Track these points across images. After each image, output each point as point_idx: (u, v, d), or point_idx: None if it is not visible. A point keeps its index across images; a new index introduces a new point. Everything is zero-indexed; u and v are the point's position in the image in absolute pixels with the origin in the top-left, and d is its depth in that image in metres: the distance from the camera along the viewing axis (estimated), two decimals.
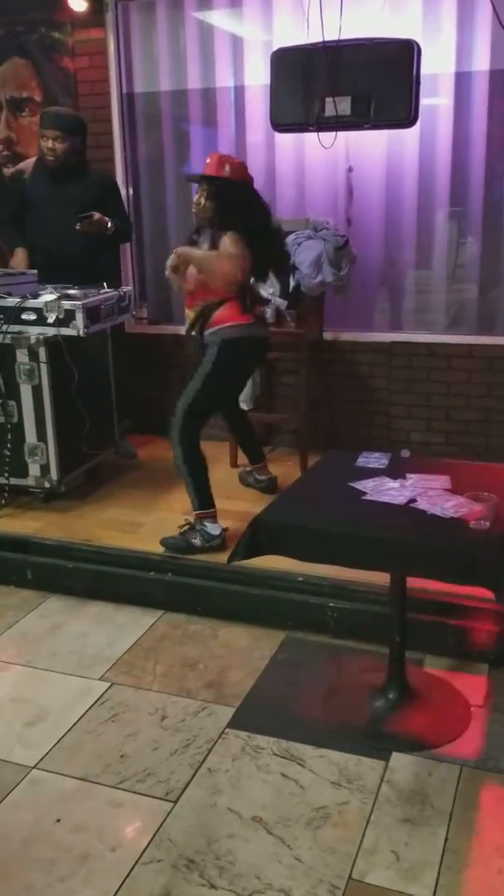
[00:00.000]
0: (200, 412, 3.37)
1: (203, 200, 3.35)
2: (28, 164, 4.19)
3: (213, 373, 3.36)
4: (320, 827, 2.17)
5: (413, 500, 2.39)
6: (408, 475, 2.59)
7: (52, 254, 4.03)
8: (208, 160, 3.40)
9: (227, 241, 3.27)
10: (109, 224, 3.97)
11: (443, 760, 2.40)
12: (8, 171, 4.79)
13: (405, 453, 4.34)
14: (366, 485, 2.51)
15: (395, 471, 2.63)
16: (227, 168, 3.34)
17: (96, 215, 3.91)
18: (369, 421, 4.53)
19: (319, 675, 2.83)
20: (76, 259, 3.98)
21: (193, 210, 3.44)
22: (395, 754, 2.42)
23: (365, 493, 2.45)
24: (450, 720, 2.57)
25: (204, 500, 3.34)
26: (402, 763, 2.40)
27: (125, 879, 2.01)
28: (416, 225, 4.35)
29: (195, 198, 3.40)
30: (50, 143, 3.94)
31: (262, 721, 2.59)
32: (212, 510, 3.34)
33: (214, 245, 3.32)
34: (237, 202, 3.35)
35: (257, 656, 2.94)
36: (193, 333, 3.45)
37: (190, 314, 3.48)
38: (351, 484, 2.51)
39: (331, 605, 3.03)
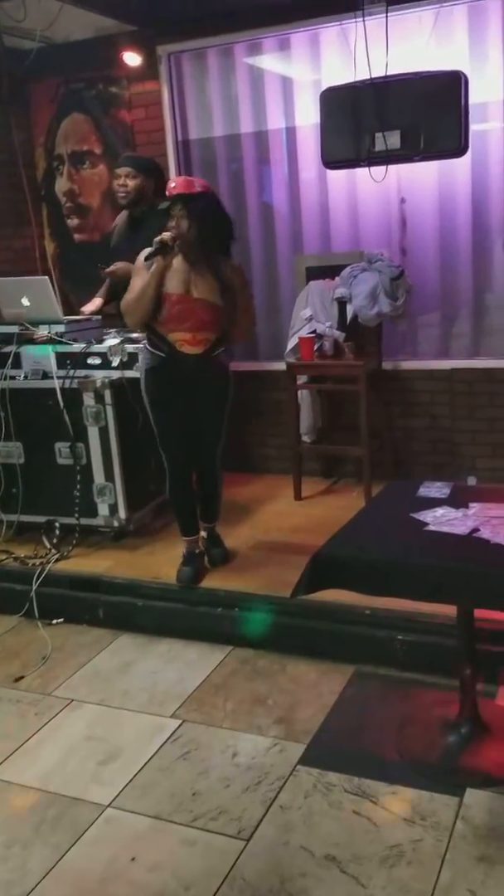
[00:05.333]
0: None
1: (184, 223, 3.16)
2: (121, 216, 4.32)
3: (233, 387, 3.47)
4: (395, 865, 2.14)
5: (476, 530, 2.37)
6: (470, 504, 2.57)
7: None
8: (172, 184, 3.24)
9: (242, 284, 3.33)
10: None
11: None
12: (73, 222, 5.01)
13: (472, 480, 4.33)
14: (427, 515, 2.50)
15: (458, 500, 2.61)
16: (197, 184, 3.24)
17: (112, 267, 4.00)
18: (433, 449, 4.50)
19: (390, 710, 2.80)
20: None
21: (172, 236, 3.18)
22: (469, 790, 2.38)
23: (427, 524, 2.44)
24: None
25: None
26: (476, 799, 2.35)
27: None
28: (472, 251, 4.34)
29: (173, 224, 3.18)
30: (121, 180, 4.06)
31: (334, 757, 2.57)
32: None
33: (216, 272, 3.22)
34: (219, 215, 3.26)
35: (326, 691, 2.93)
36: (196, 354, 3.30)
37: (204, 337, 3.28)
38: (413, 514, 2.51)
39: (399, 637, 3.01)
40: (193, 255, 3.22)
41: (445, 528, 2.41)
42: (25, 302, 3.83)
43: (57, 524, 3.90)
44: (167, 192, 3.24)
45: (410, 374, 4.49)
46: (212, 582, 3.45)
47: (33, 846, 2.30)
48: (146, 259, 3.23)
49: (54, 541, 3.87)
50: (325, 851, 2.20)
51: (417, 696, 2.87)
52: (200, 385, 3.37)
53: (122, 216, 4.30)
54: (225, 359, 3.43)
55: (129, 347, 3.68)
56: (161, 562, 3.69)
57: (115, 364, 3.70)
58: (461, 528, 2.39)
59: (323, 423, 4.66)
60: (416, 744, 2.62)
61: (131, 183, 4.07)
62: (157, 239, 3.20)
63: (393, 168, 4.21)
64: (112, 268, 3.99)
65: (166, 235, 3.20)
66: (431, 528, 2.42)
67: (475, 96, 3.96)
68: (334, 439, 4.66)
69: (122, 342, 3.73)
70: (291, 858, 2.19)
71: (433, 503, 2.61)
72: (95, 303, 4.30)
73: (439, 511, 2.54)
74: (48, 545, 3.86)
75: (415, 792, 2.39)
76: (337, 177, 4.46)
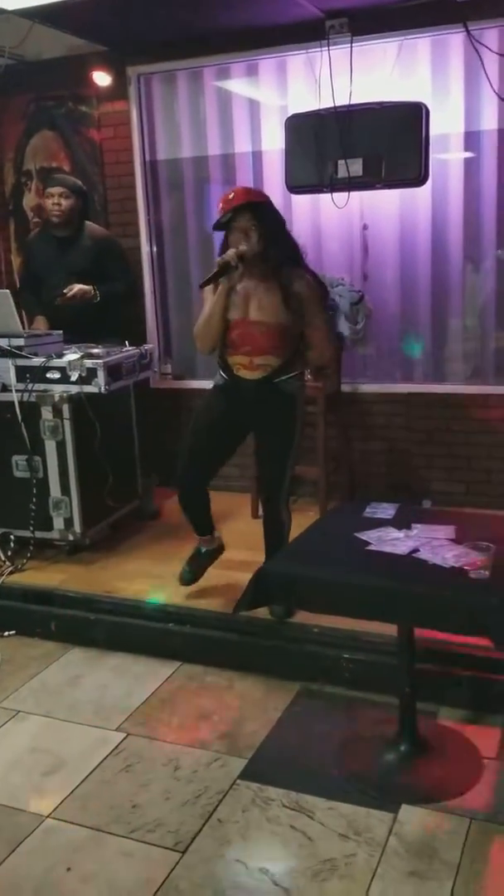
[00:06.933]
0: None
1: (254, 234, 2.96)
2: (33, 234, 4.42)
3: (302, 421, 3.25)
4: (326, 879, 2.17)
5: (416, 550, 2.43)
6: (413, 525, 2.63)
7: (57, 318, 4.22)
8: (231, 195, 3.04)
9: (317, 299, 3.10)
10: (93, 291, 4.14)
11: (453, 813, 2.39)
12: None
13: (427, 503, 4.41)
14: (371, 535, 2.56)
15: (402, 521, 2.67)
16: (257, 193, 3.13)
17: (70, 291, 4.09)
18: (390, 472, 4.57)
19: (332, 727, 2.84)
20: (78, 322, 4.15)
21: (239, 250, 2.97)
22: (404, 807, 2.42)
23: (369, 544, 2.50)
24: (461, 772, 2.56)
25: None
26: (411, 816, 2.39)
27: None
28: (431, 278, 4.44)
29: (234, 237, 2.98)
30: (55, 199, 4.16)
31: (274, 773, 2.61)
32: None
33: (283, 287, 3.02)
34: (284, 223, 3.12)
35: (272, 707, 2.97)
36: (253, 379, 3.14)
37: (263, 362, 3.11)
38: (356, 534, 2.57)
39: (345, 656, 3.05)
40: (263, 268, 3.02)
41: (386, 548, 2.47)
42: None
43: (12, 536, 3.90)
44: (223, 205, 3.00)
45: (369, 397, 4.57)
46: (164, 597, 3.47)
47: None
48: (202, 286, 3.06)
49: (9, 553, 3.88)
50: (259, 865, 2.23)
51: (360, 713, 2.92)
52: (260, 415, 3.15)
53: (35, 235, 4.37)
54: (293, 386, 3.16)
55: (89, 363, 3.72)
56: (114, 576, 3.72)
57: (73, 379, 3.73)
58: (401, 549, 2.46)
59: None
60: (356, 761, 2.66)
61: (65, 203, 4.17)
62: (220, 259, 3.00)
63: (356, 195, 4.31)
64: (71, 292, 4.06)
65: (230, 254, 2.97)
66: (372, 547, 2.48)
67: (437, 127, 4.08)
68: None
69: (82, 357, 3.76)
70: (225, 871, 2.22)
71: (378, 523, 2.67)
72: (39, 321, 4.34)
73: (382, 531, 2.60)
74: (2, 557, 3.86)
75: (351, 808, 2.43)
76: (301, 202, 4.55)
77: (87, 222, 4.39)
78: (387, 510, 2.80)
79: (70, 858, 2.28)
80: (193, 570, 3.52)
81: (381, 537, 2.55)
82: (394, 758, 2.61)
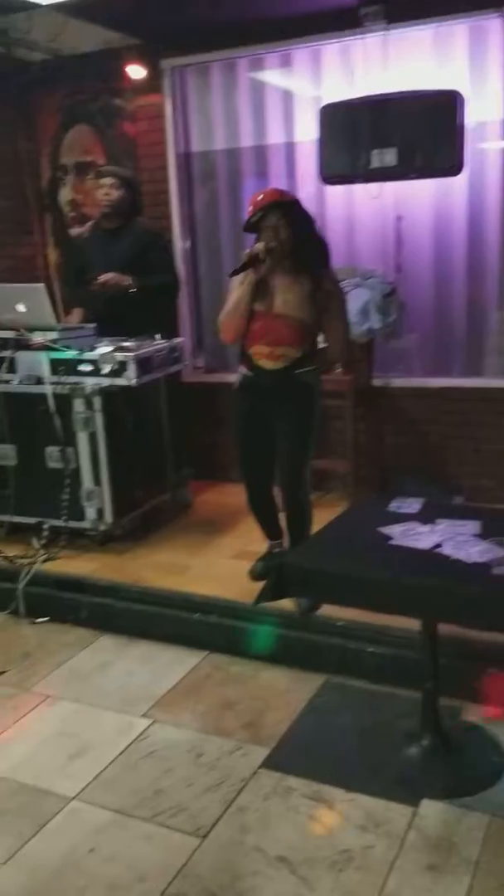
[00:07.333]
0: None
1: (284, 231, 3.08)
2: (86, 227, 4.44)
3: (319, 412, 3.33)
4: (343, 870, 2.19)
5: (438, 546, 2.42)
6: (438, 520, 2.62)
7: (102, 310, 4.25)
8: (260, 196, 3.17)
9: (339, 298, 3.23)
10: (128, 282, 4.10)
11: (473, 809, 2.39)
12: (75, 231, 5.11)
13: (458, 500, 4.37)
14: (394, 529, 2.56)
15: (427, 516, 2.66)
16: (287, 193, 3.24)
17: (103, 278, 4.08)
18: (421, 467, 4.54)
19: (355, 720, 2.86)
20: (123, 315, 4.14)
21: (268, 245, 3.08)
22: (424, 801, 2.43)
23: (391, 538, 2.50)
24: (483, 768, 2.56)
25: None
26: (431, 810, 2.40)
27: None
28: (467, 270, 4.40)
29: (264, 236, 3.09)
30: (105, 189, 4.17)
31: (295, 762, 2.63)
32: None
33: (308, 284, 3.13)
34: (313, 224, 3.22)
35: (295, 699, 2.99)
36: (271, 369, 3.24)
37: (283, 353, 3.20)
38: (380, 529, 2.56)
39: (369, 650, 3.06)
40: (291, 265, 3.13)
41: (409, 543, 2.46)
42: (21, 308, 3.92)
43: (45, 526, 3.98)
44: (253, 205, 3.13)
45: (401, 391, 4.54)
46: (192, 587, 3.52)
47: None
48: (231, 275, 3.18)
49: (43, 542, 3.95)
50: (278, 853, 2.26)
51: (383, 707, 2.93)
52: (280, 403, 3.26)
53: (87, 228, 4.39)
54: (310, 378, 3.26)
55: (120, 356, 3.76)
56: (144, 566, 3.77)
57: (105, 372, 3.78)
58: (424, 543, 2.45)
59: None
60: (378, 753, 2.67)
61: (115, 193, 4.17)
62: (248, 252, 3.11)
63: (390, 185, 4.29)
64: (104, 278, 4.07)
65: (259, 247, 3.09)
66: (395, 542, 2.47)
67: (474, 115, 4.04)
68: (322, 454, 4.71)
69: (114, 350, 3.81)
70: (244, 857, 2.25)
71: (402, 518, 2.67)
72: (76, 313, 4.38)
73: (406, 526, 2.59)
74: (36, 546, 3.94)
75: (371, 800, 2.45)
76: (334, 192, 4.53)
77: (138, 218, 4.39)
78: (412, 505, 2.79)
79: (93, 840, 2.34)
80: (265, 569, 3.49)
81: (405, 532, 2.54)
82: (416, 752, 2.61)
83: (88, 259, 4.30)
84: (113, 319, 4.11)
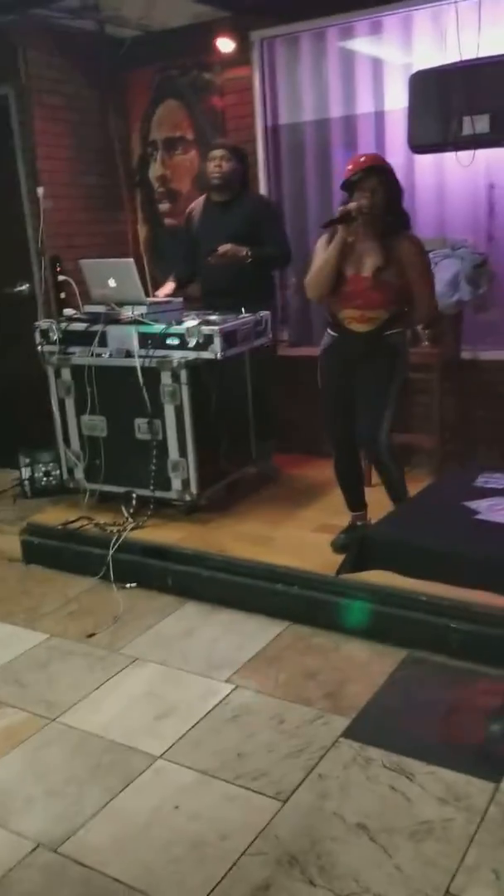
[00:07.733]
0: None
1: (378, 194, 3.17)
2: (198, 201, 4.46)
3: (403, 375, 3.42)
4: (423, 840, 2.21)
5: None
6: None
7: (211, 282, 4.29)
8: (362, 158, 3.30)
9: (423, 263, 3.27)
10: (245, 252, 4.11)
11: None
12: (164, 207, 5.17)
13: None
14: (480, 504, 2.53)
15: None
16: (386, 161, 3.32)
17: (222, 249, 4.10)
18: None
19: (437, 695, 2.85)
20: (231, 286, 4.17)
21: (361, 204, 3.16)
22: None
23: (478, 513, 2.47)
24: None
25: None
26: None
27: (231, 868, 2.15)
28: None
29: (359, 196, 3.17)
30: (216, 161, 4.17)
31: (376, 734, 2.65)
32: None
33: (392, 249, 3.21)
34: (402, 195, 3.33)
35: (377, 672, 3.00)
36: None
37: (374, 315, 3.29)
38: (465, 503, 2.54)
39: (452, 626, 3.04)
40: (379, 228, 3.22)
41: (496, 518, 2.43)
42: (112, 283, 4.01)
43: (134, 495, 4.09)
44: (354, 164, 3.24)
45: (490, 364, 4.44)
46: (274, 558, 3.56)
47: (88, 786, 2.50)
48: (324, 226, 3.28)
49: (131, 511, 4.07)
50: (357, 820, 2.29)
51: (466, 683, 2.91)
52: (366, 365, 3.35)
53: (199, 202, 4.41)
54: (397, 340, 3.37)
55: (205, 330, 3.81)
56: (227, 536, 3.83)
57: (191, 345, 3.84)
58: None
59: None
60: (460, 729, 2.67)
61: (226, 165, 4.17)
62: (341, 208, 3.21)
63: (483, 153, 4.16)
64: (223, 249, 4.10)
65: (352, 205, 3.18)
66: (481, 516, 2.44)
67: None
68: (407, 428, 4.66)
69: (200, 324, 3.86)
70: (324, 823, 2.29)
71: (489, 493, 2.63)
72: (168, 287, 4.44)
73: (493, 500, 2.56)
74: (126, 514, 4.06)
75: (452, 774, 2.45)
76: (424, 161, 4.43)
77: (249, 190, 4.40)
78: (500, 480, 2.74)
79: (178, 798, 2.42)
80: (347, 541, 3.51)
81: (492, 506, 2.51)
82: (499, 729, 2.60)
83: (197, 230, 4.33)
84: (223, 291, 4.15)
